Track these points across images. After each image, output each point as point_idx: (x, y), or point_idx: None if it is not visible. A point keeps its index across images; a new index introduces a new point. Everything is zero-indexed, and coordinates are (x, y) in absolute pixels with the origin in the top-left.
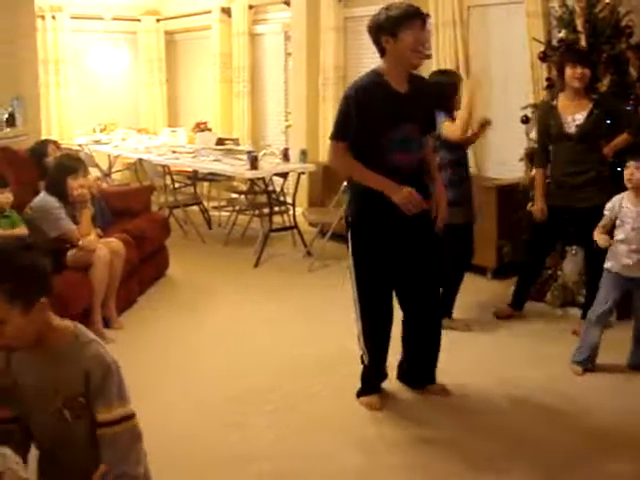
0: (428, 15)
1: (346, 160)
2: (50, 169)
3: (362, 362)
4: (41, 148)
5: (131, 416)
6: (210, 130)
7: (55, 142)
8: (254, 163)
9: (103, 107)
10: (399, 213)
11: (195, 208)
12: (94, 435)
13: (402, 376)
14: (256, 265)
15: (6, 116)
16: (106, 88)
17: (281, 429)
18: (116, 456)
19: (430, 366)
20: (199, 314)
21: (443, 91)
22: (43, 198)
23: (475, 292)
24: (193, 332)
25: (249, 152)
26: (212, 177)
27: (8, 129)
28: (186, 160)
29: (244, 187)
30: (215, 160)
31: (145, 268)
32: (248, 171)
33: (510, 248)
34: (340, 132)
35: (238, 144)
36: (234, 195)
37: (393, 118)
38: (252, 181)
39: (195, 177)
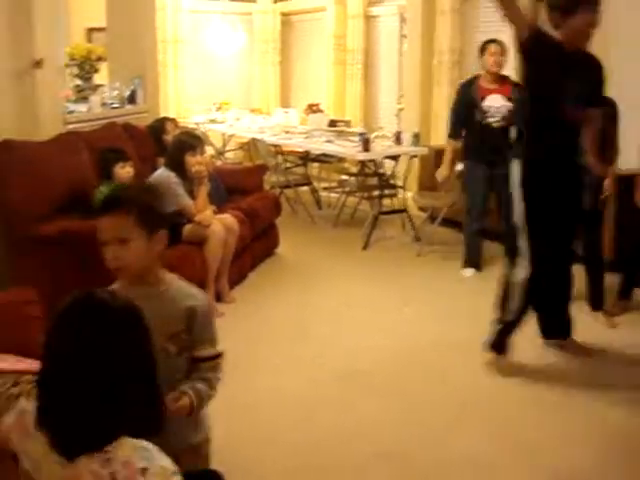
0: None
1: None
2: (170, 145)
3: (500, 322)
4: (160, 125)
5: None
6: (322, 112)
7: (173, 120)
8: (366, 145)
9: (218, 87)
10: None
11: (305, 188)
12: (187, 370)
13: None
14: (365, 247)
15: (128, 93)
16: (221, 68)
17: (390, 411)
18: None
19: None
20: (307, 293)
21: None
22: (162, 173)
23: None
24: (301, 310)
25: (361, 134)
26: (323, 158)
27: (129, 106)
28: (299, 140)
29: (354, 169)
30: (327, 141)
31: (256, 245)
32: (360, 153)
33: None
34: None
35: (350, 126)
36: (344, 177)
37: (565, 75)
38: (363, 163)
39: (306, 158)
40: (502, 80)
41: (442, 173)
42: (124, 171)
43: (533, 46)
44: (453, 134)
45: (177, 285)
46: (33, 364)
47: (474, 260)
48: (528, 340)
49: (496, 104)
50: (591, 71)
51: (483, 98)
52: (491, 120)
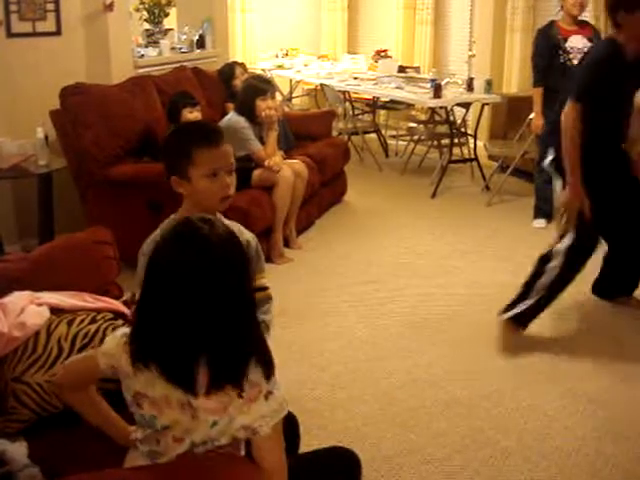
0: None
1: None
2: (240, 90)
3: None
4: (229, 70)
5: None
6: (390, 58)
7: (242, 65)
8: (437, 92)
9: (286, 33)
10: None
11: (373, 136)
12: None
13: (598, 290)
14: (433, 196)
15: (196, 38)
16: (289, 14)
17: (458, 361)
18: (264, 311)
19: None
20: (374, 240)
21: None
22: (232, 118)
23: None
24: (368, 257)
25: (432, 80)
26: (391, 105)
27: (198, 50)
28: (368, 87)
29: (423, 116)
30: (397, 87)
31: (324, 192)
32: (431, 100)
33: None
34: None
35: (419, 72)
36: (412, 124)
37: (625, 90)
38: (433, 110)
39: (374, 104)
40: (581, 23)
41: (536, 123)
42: (192, 116)
43: None
44: (541, 80)
45: (226, 223)
46: (110, 302)
47: (546, 211)
48: None
49: (578, 45)
50: None
51: (565, 39)
52: (575, 62)
